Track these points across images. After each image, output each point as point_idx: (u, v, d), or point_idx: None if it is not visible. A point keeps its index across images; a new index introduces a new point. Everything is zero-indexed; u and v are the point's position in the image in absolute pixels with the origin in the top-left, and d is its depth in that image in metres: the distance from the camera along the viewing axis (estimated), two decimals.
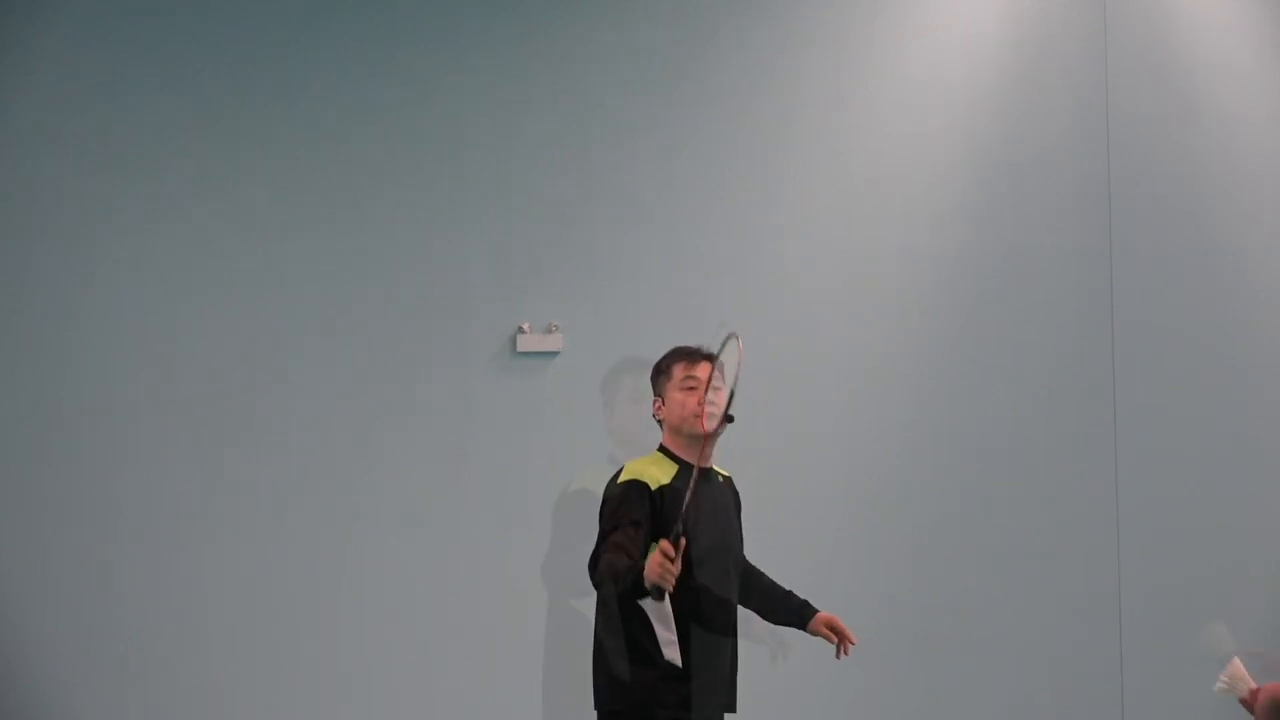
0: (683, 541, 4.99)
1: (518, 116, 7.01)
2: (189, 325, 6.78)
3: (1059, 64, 7.40)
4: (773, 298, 7.13)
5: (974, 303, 7.30)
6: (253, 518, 6.75)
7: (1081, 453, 7.30)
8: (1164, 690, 7.20)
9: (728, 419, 5.24)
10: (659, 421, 5.49)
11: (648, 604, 5.19)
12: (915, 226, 7.25)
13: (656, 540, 5.10)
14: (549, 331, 6.95)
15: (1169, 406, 7.37)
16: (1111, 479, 7.30)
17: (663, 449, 5.42)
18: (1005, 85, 7.37)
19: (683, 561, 5.02)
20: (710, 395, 5.34)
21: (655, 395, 5.50)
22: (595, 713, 5.38)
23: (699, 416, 5.31)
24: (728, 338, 5.26)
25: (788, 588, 5.68)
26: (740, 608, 5.53)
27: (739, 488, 5.65)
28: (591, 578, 5.25)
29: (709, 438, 5.28)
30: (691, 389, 5.39)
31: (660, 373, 5.49)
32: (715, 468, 5.53)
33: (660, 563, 4.95)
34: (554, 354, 6.97)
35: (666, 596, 5.02)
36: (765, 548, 5.76)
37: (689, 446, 5.33)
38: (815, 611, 5.58)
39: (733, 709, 5.47)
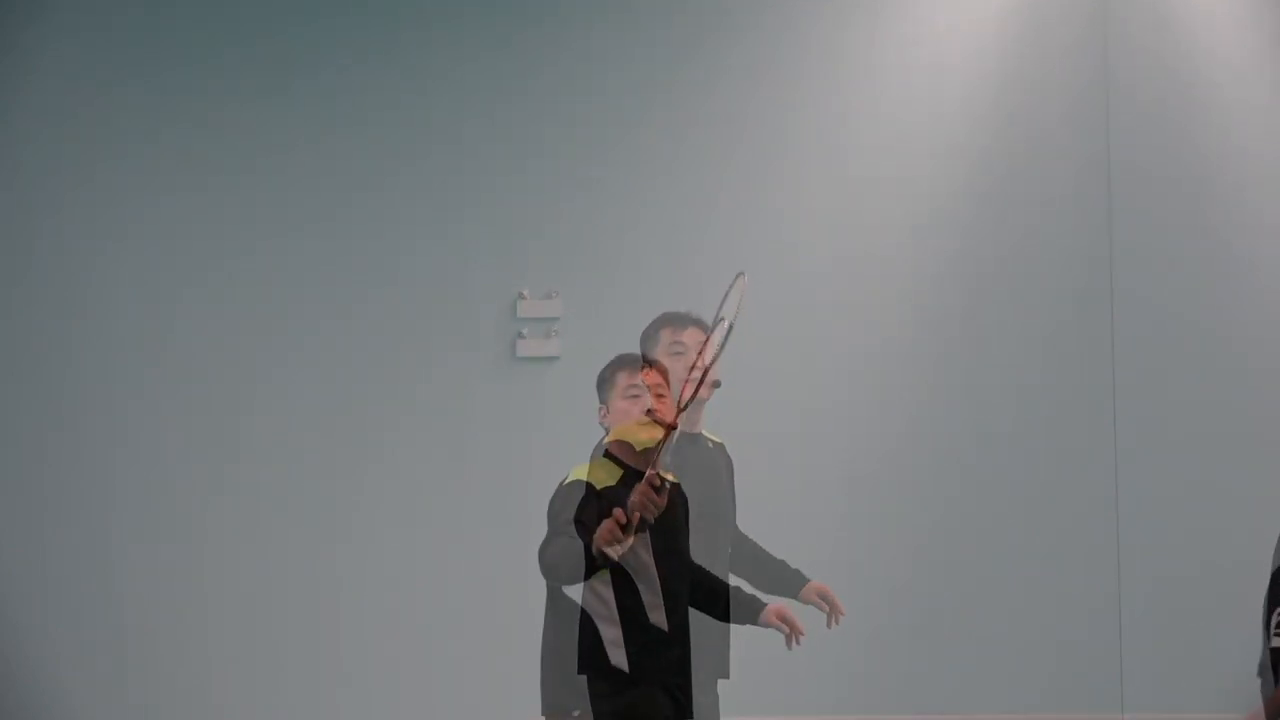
0: (653, 493, 4.91)
1: (517, 113, 7.01)
2: (189, 325, 6.78)
3: (1059, 58, 7.38)
4: (773, 296, 7.11)
5: (974, 300, 7.28)
6: (252, 517, 6.76)
7: (1082, 451, 7.29)
8: (1164, 690, 7.19)
9: (715, 384, 5.25)
10: (605, 429, 5.35)
11: (633, 567, 5.11)
12: (916, 217, 7.24)
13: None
14: (549, 297, 6.96)
15: (1169, 405, 7.35)
16: (1111, 478, 7.29)
17: (608, 455, 5.27)
18: (1005, 79, 7.36)
19: (669, 521, 4.99)
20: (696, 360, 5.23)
21: (600, 403, 5.39)
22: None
23: (642, 424, 5.24)
24: (735, 277, 5.15)
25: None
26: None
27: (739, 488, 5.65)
28: (541, 562, 5.11)
29: (691, 407, 5.17)
30: (635, 397, 5.31)
31: (604, 381, 5.36)
32: (705, 433, 5.52)
33: (611, 529, 4.88)
34: (554, 359, 6.98)
35: (646, 554, 4.98)
36: (763, 544, 5.77)
37: (635, 454, 5.20)
38: (807, 580, 5.64)
39: (724, 674, 5.49)
